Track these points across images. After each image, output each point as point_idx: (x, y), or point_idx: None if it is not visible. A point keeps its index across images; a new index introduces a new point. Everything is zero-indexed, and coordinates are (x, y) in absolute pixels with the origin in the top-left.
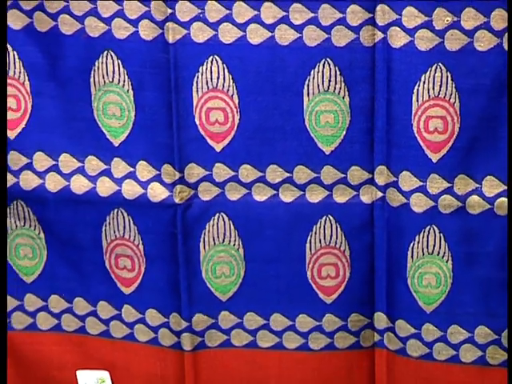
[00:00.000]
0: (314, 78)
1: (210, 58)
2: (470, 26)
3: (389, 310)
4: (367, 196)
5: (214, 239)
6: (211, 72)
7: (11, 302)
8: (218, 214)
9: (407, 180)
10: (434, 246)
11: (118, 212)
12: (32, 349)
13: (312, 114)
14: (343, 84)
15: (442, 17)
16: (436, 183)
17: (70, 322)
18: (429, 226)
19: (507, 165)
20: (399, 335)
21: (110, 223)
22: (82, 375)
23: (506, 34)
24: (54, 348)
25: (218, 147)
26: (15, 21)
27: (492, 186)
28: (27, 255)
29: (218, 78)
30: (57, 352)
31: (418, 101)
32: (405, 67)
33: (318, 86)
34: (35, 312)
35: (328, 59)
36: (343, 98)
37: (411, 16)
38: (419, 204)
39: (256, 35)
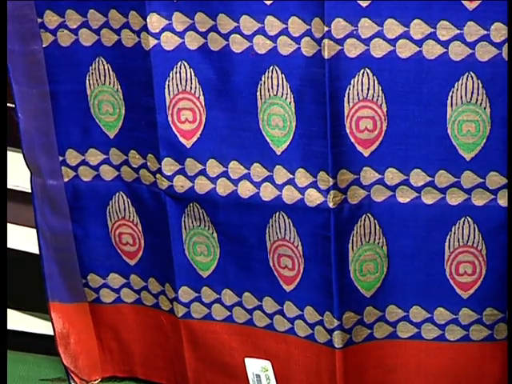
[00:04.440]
0: (457, 89)
1: (362, 71)
2: None
3: None
4: (504, 200)
5: (361, 239)
6: (362, 84)
7: (190, 294)
8: (364, 215)
9: None
10: None
11: (279, 215)
12: (208, 336)
13: (455, 123)
14: (485, 96)
15: None
16: None
17: (240, 314)
18: None
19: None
20: None
21: (272, 225)
22: (249, 362)
23: None
24: (226, 336)
25: (366, 152)
26: (192, 41)
27: None
28: (203, 252)
29: (368, 88)
30: (228, 340)
31: None
32: None
33: (461, 97)
34: (211, 304)
35: (471, 73)
36: (485, 108)
37: None
38: None
39: (405, 49)
